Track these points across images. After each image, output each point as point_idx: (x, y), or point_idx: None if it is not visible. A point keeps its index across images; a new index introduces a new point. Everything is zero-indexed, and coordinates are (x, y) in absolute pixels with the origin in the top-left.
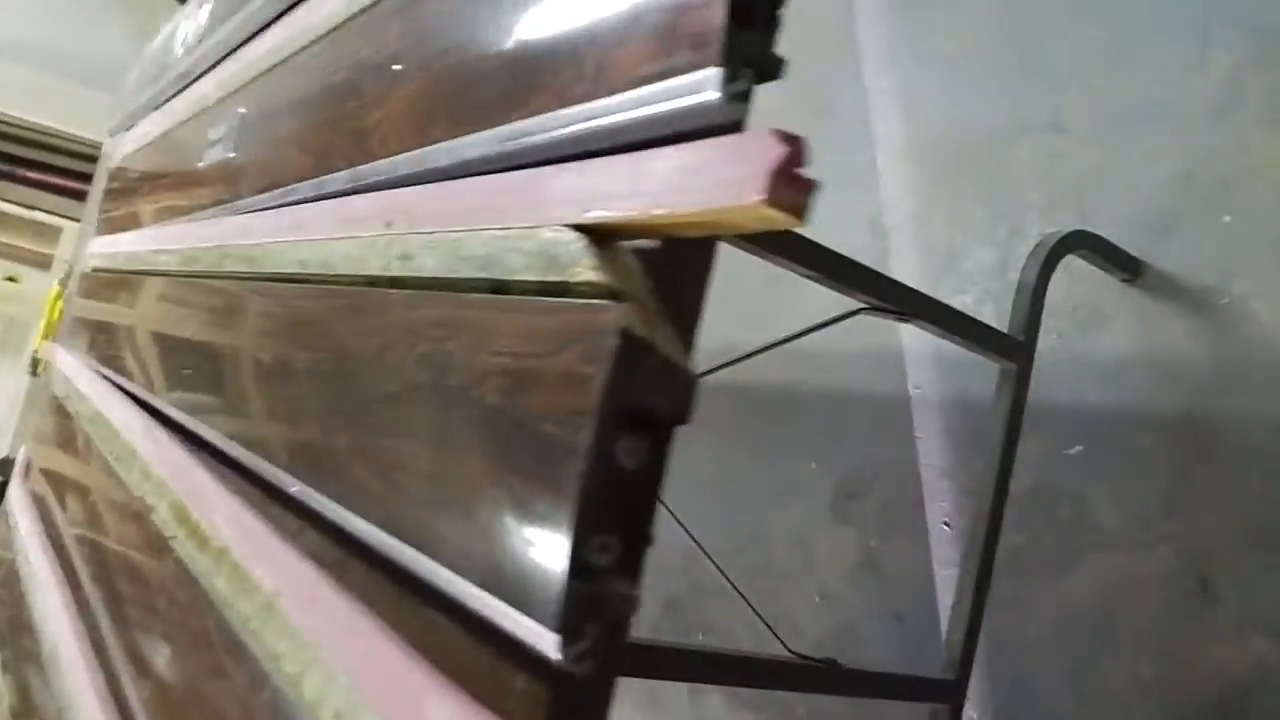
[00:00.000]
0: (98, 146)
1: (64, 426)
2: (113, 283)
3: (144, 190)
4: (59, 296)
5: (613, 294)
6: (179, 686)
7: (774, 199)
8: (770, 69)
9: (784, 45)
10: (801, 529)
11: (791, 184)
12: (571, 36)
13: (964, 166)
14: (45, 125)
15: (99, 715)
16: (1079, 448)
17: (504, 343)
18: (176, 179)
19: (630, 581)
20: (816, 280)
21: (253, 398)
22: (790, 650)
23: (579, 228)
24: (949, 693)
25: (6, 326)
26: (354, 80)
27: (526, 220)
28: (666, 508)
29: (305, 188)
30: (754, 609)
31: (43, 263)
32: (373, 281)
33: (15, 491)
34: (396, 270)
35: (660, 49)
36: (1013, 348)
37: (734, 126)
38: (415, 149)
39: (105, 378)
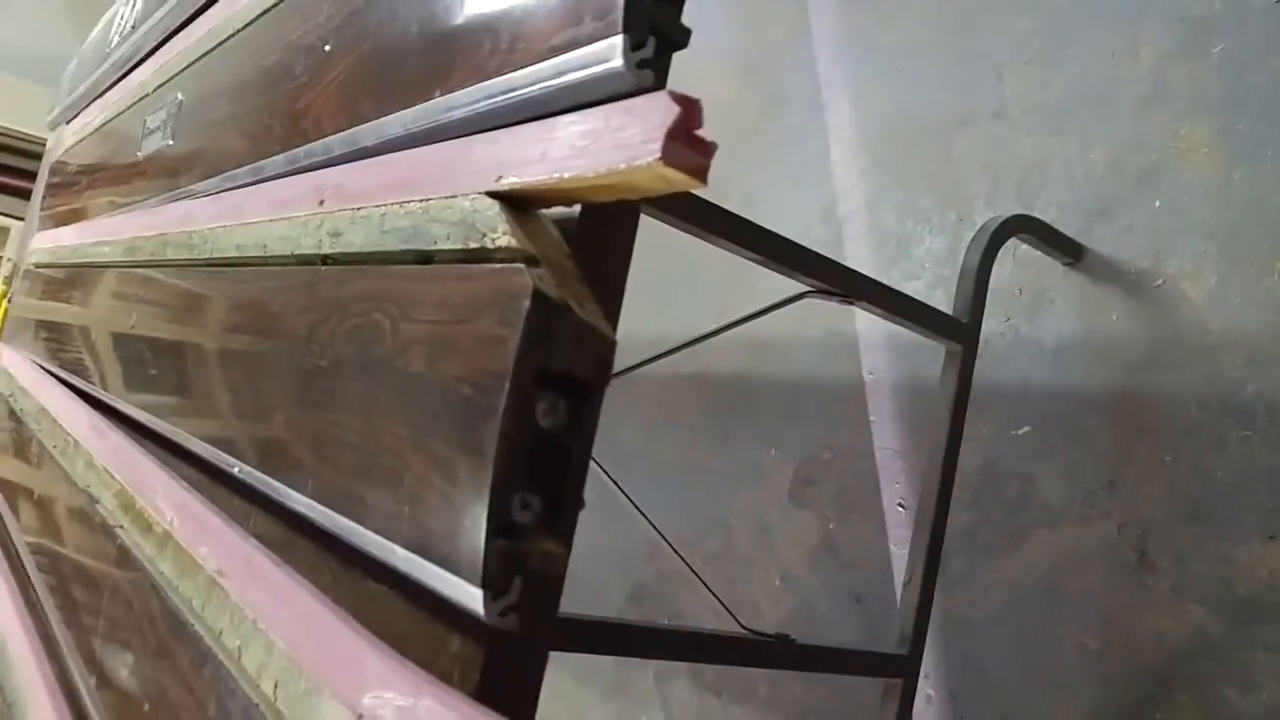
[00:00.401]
0: (44, 143)
1: (14, 430)
2: (55, 278)
3: (85, 184)
4: (3, 296)
5: (527, 258)
6: (126, 673)
7: (670, 159)
8: (677, 37)
9: (739, 36)
10: (762, 514)
11: (689, 143)
12: (488, 11)
13: (913, 156)
14: None
15: (48, 705)
16: (1026, 428)
17: (426, 311)
18: (117, 171)
19: (556, 540)
20: (765, 265)
21: (195, 384)
22: (745, 627)
23: (495, 195)
24: (902, 667)
25: None
26: (287, 62)
27: (447, 190)
28: (626, 496)
29: (243, 173)
30: (709, 588)
31: None
32: (306, 261)
33: None
34: (328, 247)
35: (569, 19)
36: (957, 329)
37: (642, 94)
38: (347, 129)
39: (49, 372)
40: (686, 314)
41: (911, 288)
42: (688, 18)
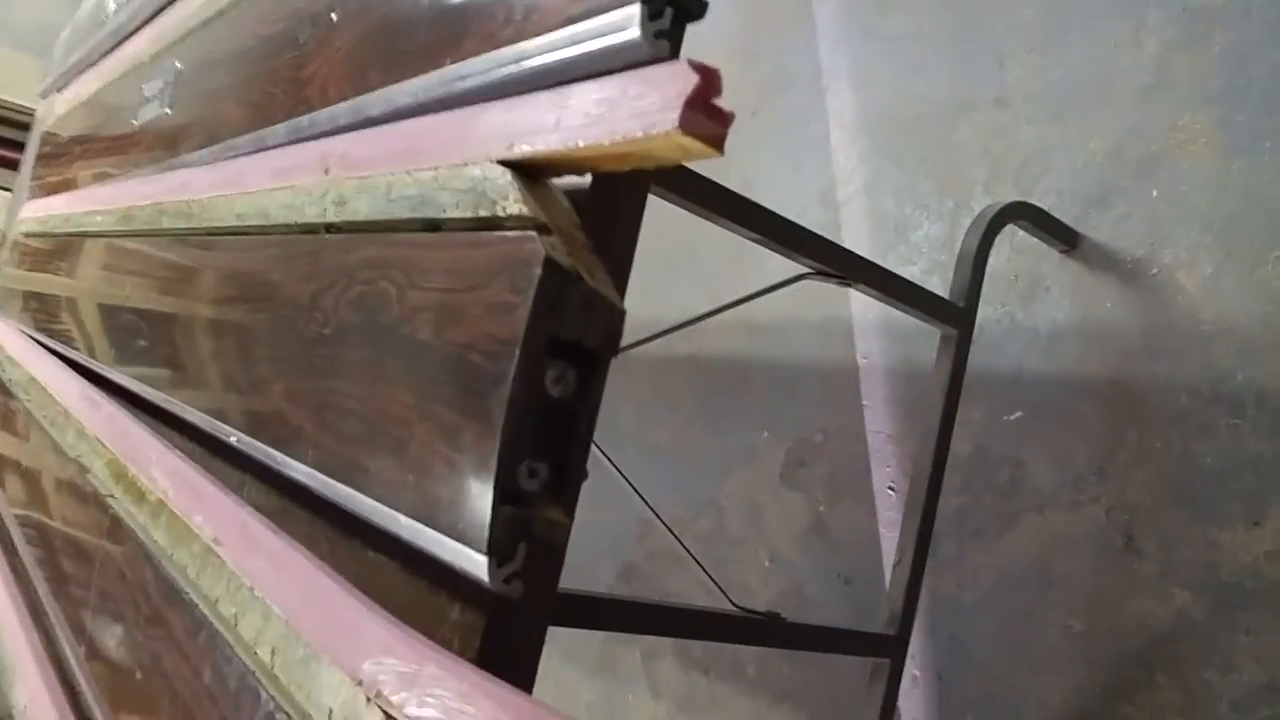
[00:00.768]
0: (32, 113)
1: (1, 401)
2: (45, 248)
3: (78, 153)
4: None
5: (539, 226)
6: (115, 643)
7: (688, 127)
8: (693, 8)
9: (740, 18)
10: (753, 496)
11: (707, 113)
12: None
13: (913, 141)
14: None
15: (36, 675)
16: (1019, 413)
17: (434, 279)
18: (111, 140)
19: (560, 509)
20: (764, 244)
21: (191, 353)
22: (736, 605)
23: (507, 163)
24: (890, 647)
25: None
26: (291, 30)
27: (456, 158)
28: (620, 472)
29: (244, 141)
30: (700, 565)
31: None
32: (309, 229)
33: None
34: (332, 216)
35: None
36: (953, 313)
37: (657, 64)
38: (353, 97)
39: (38, 342)
40: (682, 296)
41: (908, 272)
42: None
